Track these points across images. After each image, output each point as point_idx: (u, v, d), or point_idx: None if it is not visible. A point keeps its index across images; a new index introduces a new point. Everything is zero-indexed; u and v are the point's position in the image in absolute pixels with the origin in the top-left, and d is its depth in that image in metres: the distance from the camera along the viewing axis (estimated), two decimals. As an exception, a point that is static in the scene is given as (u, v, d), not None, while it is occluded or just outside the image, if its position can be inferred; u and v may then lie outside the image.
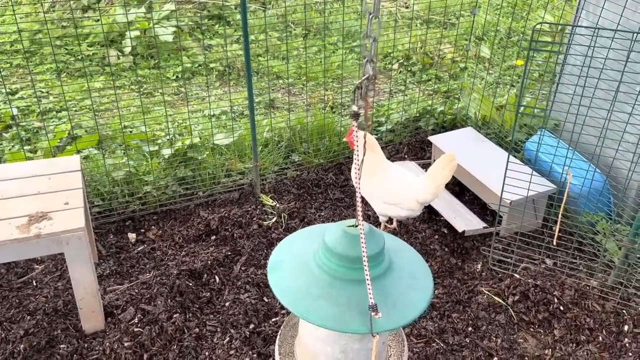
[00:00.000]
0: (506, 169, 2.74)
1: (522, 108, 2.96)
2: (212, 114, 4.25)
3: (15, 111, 4.22)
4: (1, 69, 4.70)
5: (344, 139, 3.01)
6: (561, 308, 2.74)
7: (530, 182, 2.73)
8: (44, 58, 5.09)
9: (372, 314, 1.65)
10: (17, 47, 5.20)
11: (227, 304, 2.81)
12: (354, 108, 1.63)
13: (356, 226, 1.84)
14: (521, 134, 3.78)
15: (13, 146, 3.85)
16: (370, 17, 1.49)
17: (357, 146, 1.71)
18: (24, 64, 4.94)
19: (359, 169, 1.72)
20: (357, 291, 1.75)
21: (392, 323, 1.70)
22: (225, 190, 3.63)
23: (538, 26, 2.51)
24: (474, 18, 4.01)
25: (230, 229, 3.30)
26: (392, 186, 2.99)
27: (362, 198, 3.24)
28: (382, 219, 3.18)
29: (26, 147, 3.81)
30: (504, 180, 2.77)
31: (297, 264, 1.91)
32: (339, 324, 1.69)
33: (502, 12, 5.96)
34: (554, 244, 2.81)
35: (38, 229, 2.34)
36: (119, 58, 5.13)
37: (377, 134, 4.15)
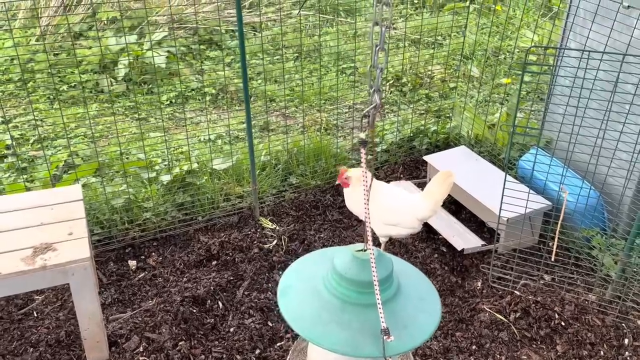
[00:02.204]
0: (504, 187, 2.80)
1: (516, 129, 3.03)
2: (208, 138, 4.28)
3: (9, 141, 4.21)
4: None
5: (337, 182, 3.09)
6: (562, 324, 2.78)
7: (527, 200, 2.78)
8: (37, 86, 5.10)
9: (385, 337, 1.68)
10: (9, 76, 5.21)
11: (231, 329, 2.81)
12: (362, 136, 1.67)
13: (365, 250, 1.88)
14: (513, 151, 3.86)
15: (9, 176, 3.84)
16: (377, 49, 1.54)
17: (365, 172, 1.75)
18: (17, 93, 4.95)
19: (366, 195, 1.76)
20: (368, 315, 1.78)
21: (404, 346, 1.72)
22: (225, 215, 3.65)
23: (531, 49, 2.59)
24: (464, 39, 4.11)
25: (231, 254, 3.31)
26: (391, 207, 3.03)
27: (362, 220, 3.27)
28: (382, 239, 3.21)
29: (23, 177, 3.81)
30: (502, 199, 2.82)
31: (306, 289, 1.93)
32: (352, 348, 1.70)
33: (488, 31, 6.10)
34: (552, 260, 2.87)
35: (43, 261, 2.34)
36: (112, 85, 5.15)
37: (372, 155, 4.21)
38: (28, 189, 3.40)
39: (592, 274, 3.09)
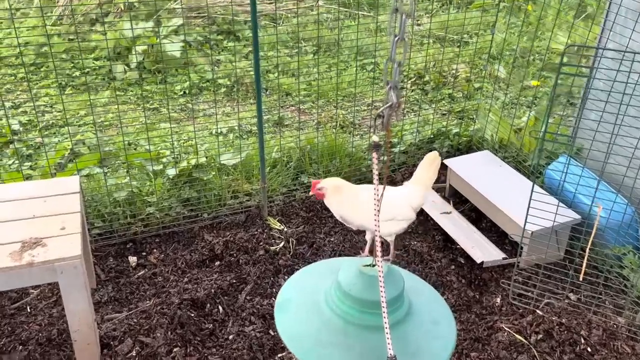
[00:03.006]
0: (530, 198, 2.57)
1: (546, 135, 2.80)
2: (219, 132, 4.12)
3: (17, 126, 4.10)
4: (4, 82, 4.61)
5: (310, 193, 2.91)
6: (588, 349, 2.55)
7: (556, 213, 2.56)
8: (50, 72, 5.00)
9: (391, 366, 1.49)
10: (22, 60, 5.11)
11: (230, 337, 2.64)
12: (375, 138, 1.48)
13: (374, 266, 1.69)
14: (541, 158, 3.62)
15: (13, 162, 3.73)
16: (396, 40, 1.35)
17: (376, 180, 1.56)
18: (28, 78, 4.84)
19: (378, 204, 1.57)
20: (373, 339, 1.59)
21: (412, 376, 1.54)
22: (231, 213, 3.49)
23: (568, 49, 2.36)
24: (493, 37, 3.87)
25: (235, 254, 3.14)
26: (385, 202, 2.86)
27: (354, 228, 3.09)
28: (389, 239, 3.04)
29: (27, 164, 3.69)
30: (528, 210, 2.60)
31: (307, 305, 1.75)
32: (354, 376, 1.53)
33: (517, 31, 5.84)
34: (581, 279, 2.63)
35: (31, 257, 2.19)
36: (125, 72, 5.02)
37: (389, 155, 4.00)
38: (28, 178, 3.27)
39: (623, 296, 2.85)
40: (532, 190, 2.57)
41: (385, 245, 2.98)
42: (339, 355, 1.55)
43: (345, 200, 2.82)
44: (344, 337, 1.59)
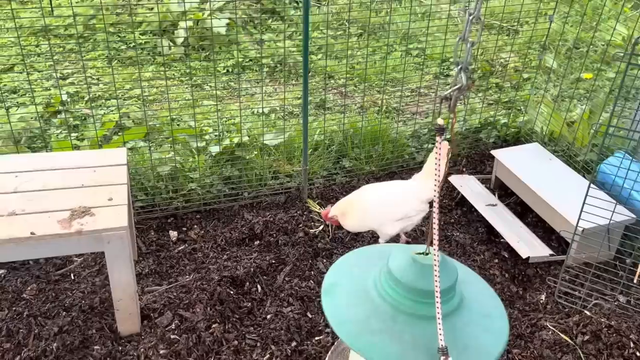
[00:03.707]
0: (586, 194, 2.46)
1: (610, 129, 2.64)
2: (262, 111, 4.10)
3: (64, 97, 4.16)
4: (54, 53, 4.67)
5: (326, 222, 3.02)
6: (637, 354, 2.45)
7: (613, 211, 2.44)
8: (97, 44, 5.06)
9: (442, 358, 1.45)
10: (71, 31, 5.18)
11: (268, 316, 2.64)
12: (439, 122, 1.42)
13: (427, 254, 1.64)
14: (592, 154, 3.48)
15: (60, 132, 3.79)
16: (471, 19, 1.28)
17: (437, 165, 1.51)
18: (77, 49, 4.91)
19: (439, 183, 1.53)
20: (423, 328, 1.55)
21: (463, 370, 1.49)
22: (272, 193, 3.47)
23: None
24: (550, 25, 3.72)
25: (275, 235, 3.13)
26: (396, 201, 2.86)
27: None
28: (403, 235, 3.00)
29: (74, 134, 3.75)
30: (582, 207, 2.50)
31: (355, 290, 1.71)
32: (402, 365, 1.49)
33: (571, 21, 5.60)
34: (635, 281, 2.52)
35: (80, 225, 2.21)
36: (170, 48, 5.04)
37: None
38: (76, 148, 3.32)
39: (676, 301, 2.73)
40: (589, 186, 2.46)
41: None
42: (389, 342, 1.51)
43: (359, 211, 2.85)
44: (393, 325, 1.55)
